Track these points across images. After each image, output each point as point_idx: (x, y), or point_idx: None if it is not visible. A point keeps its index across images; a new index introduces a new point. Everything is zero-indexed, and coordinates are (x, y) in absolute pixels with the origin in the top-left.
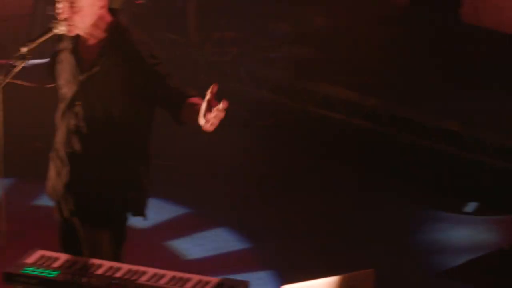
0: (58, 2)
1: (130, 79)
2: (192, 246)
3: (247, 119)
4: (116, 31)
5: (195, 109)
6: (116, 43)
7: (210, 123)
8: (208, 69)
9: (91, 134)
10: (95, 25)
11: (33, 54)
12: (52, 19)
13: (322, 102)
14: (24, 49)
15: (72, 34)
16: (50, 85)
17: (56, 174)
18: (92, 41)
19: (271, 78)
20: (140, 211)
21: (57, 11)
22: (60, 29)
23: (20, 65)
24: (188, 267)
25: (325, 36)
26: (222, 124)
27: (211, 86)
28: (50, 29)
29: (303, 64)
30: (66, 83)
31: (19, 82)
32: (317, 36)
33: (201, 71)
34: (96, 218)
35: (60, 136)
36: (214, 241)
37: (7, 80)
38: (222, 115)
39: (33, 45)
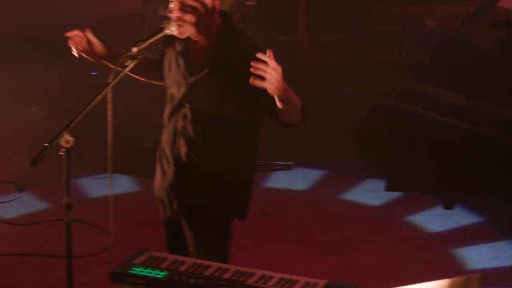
0: (170, 2)
1: (237, 83)
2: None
3: (356, 121)
4: (226, 34)
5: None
6: (226, 47)
7: (270, 82)
8: (317, 71)
9: (197, 135)
10: (206, 28)
11: (143, 54)
12: (163, 19)
13: (430, 104)
14: (134, 49)
15: (183, 36)
16: (158, 83)
17: (161, 174)
18: (201, 44)
19: (380, 80)
20: (242, 213)
21: (168, 12)
22: (171, 30)
23: (130, 65)
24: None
25: (435, 39)
26: (332, 125)
27: (268, 52)
28: (161, 30)
29: (413, 67)
30: (174, 84)
31: (132, 74)
32: (427, 38)
33: (310, 74)
34: (200, 218)
35: (166, 137)
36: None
37: (118, 80)
38: (273, 69)
39: (143, 45)
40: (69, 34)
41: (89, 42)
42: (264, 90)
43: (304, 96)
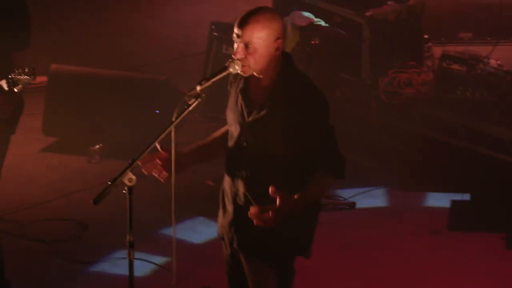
0: (234, 42)
1: (291, 128)
2: None
3: (419, 161)
4: (287, 74)
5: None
6: (285, 87)
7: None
8: (379, 110)
9: (255, 175)
10: (268, 67)
11: (207, 93)
12: (227, 58)
13: (494, 144)
14: (198, 88)
15: (246, 74)
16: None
17: (222, 212)
18: (263, 83)
19: (443, 119)
20: (302, 251)
21: (232, 51)
22: (235, 68)
23: (194, 103)
24: None
25: (498, 78)
26: (393, 163)
27: (271, 189)
28: (225, 68)
29: (477, 106)
30: (234, 123)
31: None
32: (491, 77)
33: (372, 112)
34: (260, 256)
35: (226, 175)
36: None
37: (181, 118)
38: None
39: (207, 84)
40: (139, 162)
41: (163, 163)
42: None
43: (366, 134)
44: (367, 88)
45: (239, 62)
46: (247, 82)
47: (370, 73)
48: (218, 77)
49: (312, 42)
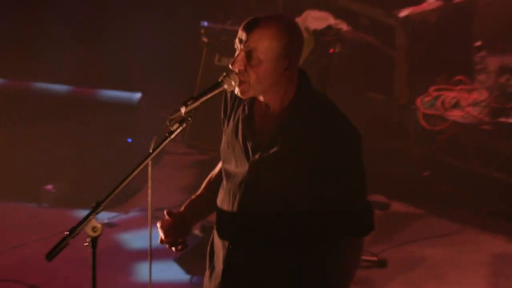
0: (236, 49)
1: (311, 172)
2: None
3: (472, 204)
4: (303, 100)
5: None
6: (303, 118)
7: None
8: (419, 138)
9: (255, 228)
10: (275, 90)
11: (194, 116)
12: (220, 71)
13: None
14: (183, 110)
15: (244, 96)
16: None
17: (209, 272)
18: (271, 110)
19: (503, 152)
20: None
21: (229, 62)
22: (231, 85)
23: (177, 129)
24: None
25: None
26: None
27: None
28: (218, 85)
29: None
30: (232, 160)
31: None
32: None
33: (410, 139)
34: None
35: (218, 226)
36: None
37: (158, 150)
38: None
39: (194, 105)
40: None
41: (165, 231)
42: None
43: (401, 170)
44: (401, 111)
45: (236, 77)
46: (251, 109)
47: (405, 91)
48: (208, 95)
49: (331, 50)
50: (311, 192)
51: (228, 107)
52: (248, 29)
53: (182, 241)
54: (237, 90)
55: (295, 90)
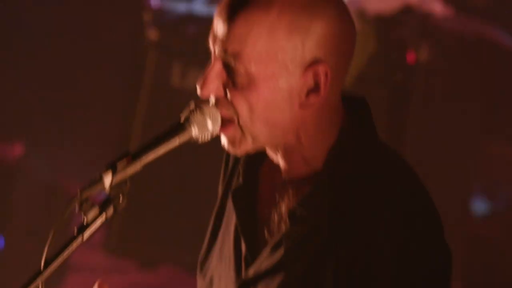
0: (210, 37)
1: None
2: None
3: None
4: (348, 167)
5: None
6: (337, 205)
7: None
8: None
9: None
10: (294, 136)
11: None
12: (185, 97)
13: None
14: (108, 180)
15: (237, 150)
16: None
17: None
18: (288, 178)
19: None
20: None
21: (200, 83)
22: (204, 129)
23: (95, 221)
24: None
25: None
26: None
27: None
28: (178, 129)
29: None
30: (215, 276)
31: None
32: None
33: None
34: None
35: None
36: None
37: (70, 252)
38: None
39: (131, 170)
40: None
41: None
42: None
43: None
44: None
45: (215, 111)
46: (252, 174)
47: None
48: (159, 151)
49: (411, 58)
50: None
51: (229, 169)
52: (227, 16)
53: None
54: (223, 141)
55: (335, 139)
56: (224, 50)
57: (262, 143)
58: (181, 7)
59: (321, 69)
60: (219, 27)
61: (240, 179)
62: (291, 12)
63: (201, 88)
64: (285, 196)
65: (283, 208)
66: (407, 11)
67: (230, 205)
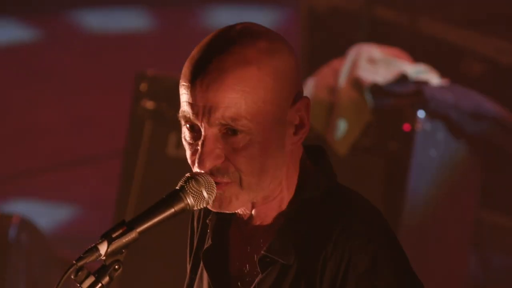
0: (189, 128)
1: None
2: None
3: None
4: (312, 197)
5: None
6: (307, 232)
7: None
8: None
9: None
10: (278, 180)
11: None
12: (180, 165)
13: None
14: (103, 248)
15: (233, 208)
16: None
17: None
18: (257, 225)
19: None
20: None
21: (187, 139)
22: (200, 198)
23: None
24: None
25: None
26: None
27: None
28: (174, 199)
29: None
30: None
31: None
32: None
33: None
34: None
35: None
36: None
37: None
38: None
39: (128, 239)
40: None
41: None
42: None
43: None
44: None
45: (210, 180)
46: (221, 232)
47: None
48: (154, 220)
49: (407, 127)
50: None
51: (196, 235)
52: (215, 86)
53: None
54: (217, 206)
55: (297, 178)
56: (222, 117)
57: (258, 194)
58: (177, 76)
59: (303, 104)
60: (205, 98)
61: (209, 240)
62: (266, 61)
63: (203, 163)
64: (254, 245)
65: (255, 257)
66: (403, 79)
67: (193, 268)
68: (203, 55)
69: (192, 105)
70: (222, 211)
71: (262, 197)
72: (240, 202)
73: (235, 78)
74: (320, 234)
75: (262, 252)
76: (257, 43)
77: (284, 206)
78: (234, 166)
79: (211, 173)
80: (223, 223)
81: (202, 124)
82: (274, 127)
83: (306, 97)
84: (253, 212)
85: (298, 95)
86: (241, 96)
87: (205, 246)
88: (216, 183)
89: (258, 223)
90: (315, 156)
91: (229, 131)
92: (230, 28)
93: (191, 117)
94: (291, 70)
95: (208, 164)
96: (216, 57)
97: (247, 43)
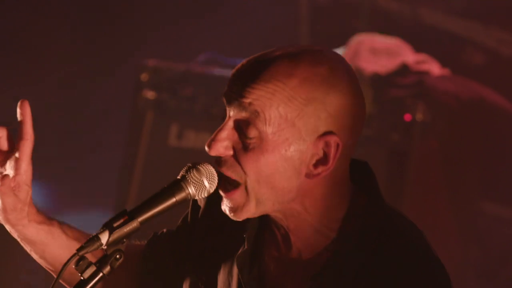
0: (226, 97)
1: None
2: None
3: None
4: (360, 233)
5: None
6: (354, 273)
7: None
8: None
9: None
10: (303, 205)
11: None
12: (184, 156)
13: None
14: (105, 238)
15: (238, 216)
16: None
17: None
18: (295, 247)
19: None
20: None
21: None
22: (201, 188)
23: (93, 279)
24: None
25: None
26: None
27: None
28: (175, 188)
29: None
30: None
31: None
32: None
33: None
34: None
35: None
36: None
37: None
38: None
39: (129, 229)
40: None
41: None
42: None
43: None
44: None
45: (213, 171)
46: (256, 240)
47: None
48: (155, 210)
49: (408, 117)
50: None
51: (199, 218)
52: (252, 78)
53: None
54: (224, 207)
55: (346, 207)
56: (244, 108)
57: (267, 208)
58: (178, 67)
59: (333, 140)
60: (240, 87)
61: (246, 243)
62: (310, 83)
63: (210, 147)
64: (293, 267)
65: (293, 279)
66: (404, 70)
67: (216, 268)
68: (260, 54)
69: (228, 91)
70: (232, 218)
71: (283, 212)
72: (246, 211)
73: (274, 80)
74: (377, 270)
75: (319, 270)
76: (316, 66)
77: (326, 232)
78: (240, 165)
79: (218, 163)
80: (259, 228)
81: (229, 112)
82: (291, 147)
83: (344, 132)
84: (286, 226)
85: (335, 134)
86: (271, 99)
87: (240, 250)
88: (223, 190)
89: (295, 244)
90: (361, 178)
91: (244, 130)
92: (303, 45)
93: (225, 103)
94: (333, 105)
95: (213, 151)
96: (269, 58)
97: (305, 60)
